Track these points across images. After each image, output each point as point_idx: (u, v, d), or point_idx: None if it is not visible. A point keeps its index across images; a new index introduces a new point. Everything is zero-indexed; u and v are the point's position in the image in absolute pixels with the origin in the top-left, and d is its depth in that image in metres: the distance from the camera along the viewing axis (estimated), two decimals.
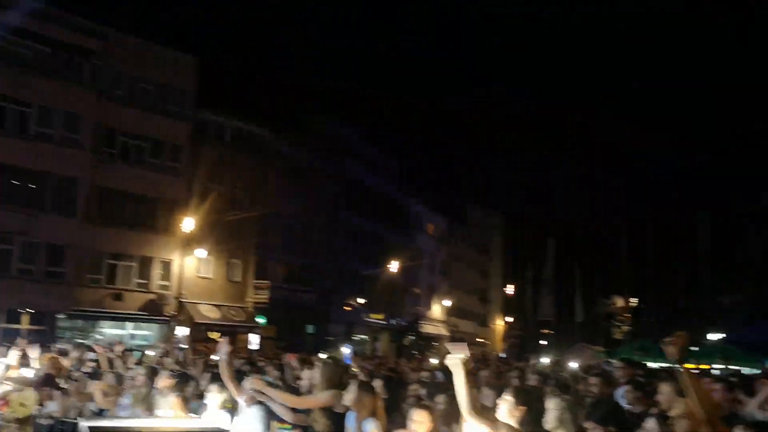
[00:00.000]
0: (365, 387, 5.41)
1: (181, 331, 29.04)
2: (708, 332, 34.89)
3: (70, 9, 27.53)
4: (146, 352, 12.61)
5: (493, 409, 4.54)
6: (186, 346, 13.52)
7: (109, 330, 29.16)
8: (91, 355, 10.87)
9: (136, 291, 29.43)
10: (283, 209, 36.32)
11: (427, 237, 55.33)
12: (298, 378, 7.84)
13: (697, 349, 30.16)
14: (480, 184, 67.97)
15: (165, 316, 29.58)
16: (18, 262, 26.00)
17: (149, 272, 29.97)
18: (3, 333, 22.33)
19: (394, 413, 5.41)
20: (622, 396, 6.79)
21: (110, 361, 9.60)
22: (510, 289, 60.79)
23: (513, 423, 4.39)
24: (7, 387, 8.26)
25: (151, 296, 29.66)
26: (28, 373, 9.08)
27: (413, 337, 48.77)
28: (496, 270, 67.85)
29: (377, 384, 6.44)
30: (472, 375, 4.34)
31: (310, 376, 6.36)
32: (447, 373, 9.68)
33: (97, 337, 27.84)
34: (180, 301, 29.44)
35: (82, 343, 20.08)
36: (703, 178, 57.02)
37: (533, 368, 11.60)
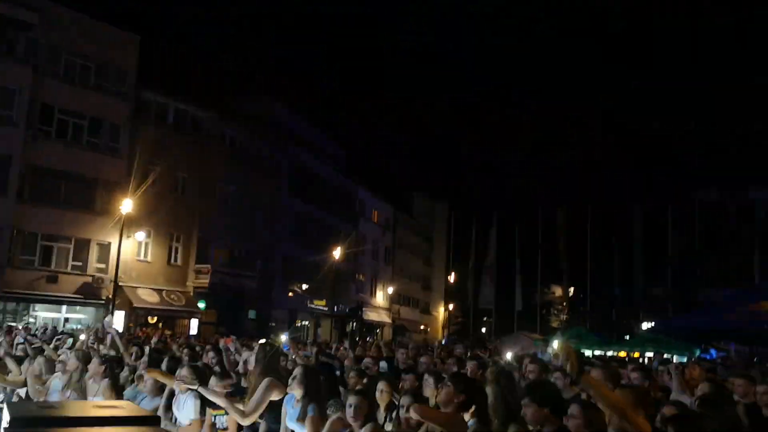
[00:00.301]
0: (308, 371, 5.42)
1: (119, 315, 28.40)
2: (641, 322, 36.15)
3: None
4: (80, 336, 12.30)
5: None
6: (121, 331, 13.23)
7: (42, 313, 28.38)
8: (21, 338, 10.55)
9: (72, 274, 28.60)
10: (226, 193, 35.90)
11: (372, 224, 55.52)
12: (236, 363, 7.79)
13: (628, 338, 31.28)
14: (426, 173, 68.31)
15: (102, 299, 28.88)
16: None
17: (86, 254, 29.16)
18: None
19: (333, 398, 5.44)
20: (553, 382, 6.98)
21: (41, 346, 9.34)
22: (452, 277, 61.54)
23: (452, 409, 4.45)
24: None
25: (87, 279, 28.88)
26: None
27: (356, 324, 48.93)
28: (439, 258, 68.58)
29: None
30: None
31: (246, 358, 6.33)
32: (389, 361, 9.80)
33: (30, 320, 27.07)
34: (118, 284, 28.77)
35: (12, 327, 19.53)
36: (638, 171, 58.66)
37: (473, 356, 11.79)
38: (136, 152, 29.71)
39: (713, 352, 22.72)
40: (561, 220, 43.79)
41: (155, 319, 31.32)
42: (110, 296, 27.66)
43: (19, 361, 8.62)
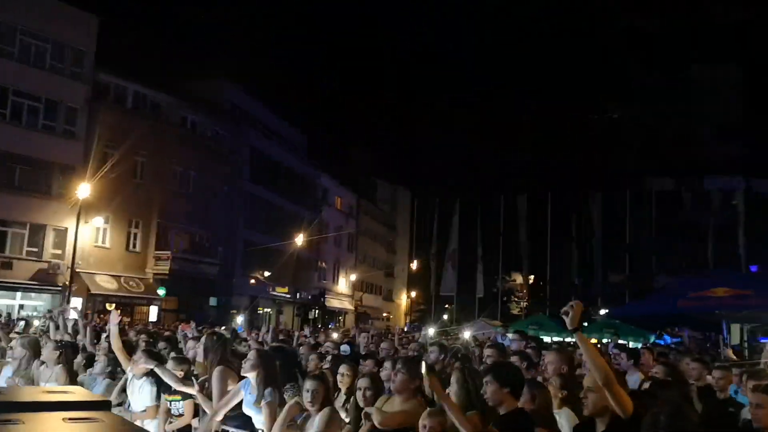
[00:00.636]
0: (262, 355, 5.38)
1: (76, 302, 27.89)
2: (599, 308, 36.86)
3: None
4: (34, 322, 12.05)
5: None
6: (76, 317, 12.99)
7: None
8: None
9: (27, 260, 27.97)
10: (186, 179, 35.44)
11: (335, 211, 55.38)
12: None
13: (587, 324, 31.86)
14: (389, 161, 68.35)
15: (58, 286, 28.31)
16: None
17: (41, 240, 28.52)
18: None
19: (290, 383, 5.42)
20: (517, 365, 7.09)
21: None
22: (415, 265, 61.87)
23: (406, 395, 4.48)
24: None
25: (43, 265, 28.26)
26: None
27: (318, 311, 48.87)
28: (402, 245, 68.82)
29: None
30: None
31: (194, 346, 6.28)
32: (351, 345, 9.82)
33: None
34: (75, 270, 28.21)
35: None
36: (597, 159, 59.54)
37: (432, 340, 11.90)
38: (93, 136, 29.11)
39: (667, 338, 23.28)
40: (522, 209, 44.26)
41: (114, 306, 30.83)
42: (67, 283, 27.13)
43: None
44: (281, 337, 13.02)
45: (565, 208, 44.65)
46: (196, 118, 36.81)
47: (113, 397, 5.99)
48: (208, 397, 5.51)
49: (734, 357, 8.55)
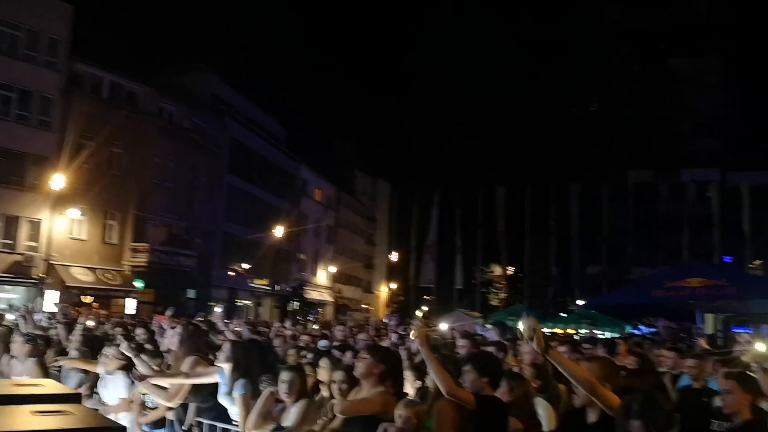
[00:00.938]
0: (239, 347, 5.36)
1: (52, 295, 27.58)
2: (576, 299, 37.18)
3: None
4: (7, 316, 11.88)
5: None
6: (49, 310, 12.84)
7: None
8: None
9: (0, 252, 27.56)
10: (164, 170, 35.13)
11: (314, 203, 55.25)
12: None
13: (565, 315, 32.16)
14: (369, 153, 68.22)
15: (33, 278, 27.94)
16: None
17: (15, 232, 28.09)
18: None
19: (265, 374, 5.40)
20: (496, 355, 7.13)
21: None
22: (394, 256, 61.97)
23: (372, 381, 4.49)
24: None
25: (18, 258, 27.87)
26: None
27: (298, 303, 48.78)
28: (381, 237, 68.87)
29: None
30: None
31: (171, 336, 6.24)
32: (330, 339, 9.80)
33: None
34: (50, 263, 27.87)
35: None
36: (575, 151, 59.98)
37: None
38: (68, 126, 28.69)
39: (643, 328, 23.57)
40: (500, 200, 44.46)
41: (90, 298, 30.54)
42: (42, 275, 26.80)
43: None
44: (260, 329, 12.99)
45: (544, 199, 44.90)
46: (174, 109, 36.46)
47: (83, 390, 5.93)
48: None
49: (707, 346, 8.68)
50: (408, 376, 5.48)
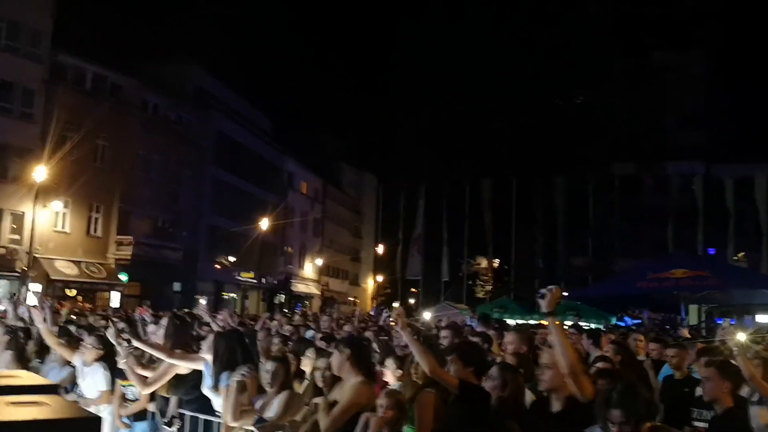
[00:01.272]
0: (222, 338, 5.33)
1: (35, 288, 27.36)
2: (563, 291, 37.41)
3: None
4: None
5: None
6: (32, 303, 12.72)
7: None
8: None
9: None
10: (148, 162, 34.89)
11: (301, 196, 55.13)
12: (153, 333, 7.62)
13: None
14: (355, 146, 68.04)
15: (16, 271, 27.68)
16: None
17: None
18: None
19: (246, 363, 5.38)
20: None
21: None
22: (381, 249, 61.98)
23: (344, 372, 4.50)
24: None
25: (0, 251, 27.61)
26: None
27: (284, 296, 48.76)
28: (368, 230, 68.85)
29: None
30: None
31: (154, 331, 6.21)
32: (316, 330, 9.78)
33: None
34: (33, 256, 27.63)
35: None
36: (561, 143, 60.13)
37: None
38: (51, 118, 28.37)
39: (628, 319, 23.75)
40: (486, 193, 44.53)
41: (74, 291, 30.34)
42: (25, 268, 26.57)
43: None
44: (247, 321, 12.96)
45: (530, 192, 45.01)
46: (159, 101, 36.19)
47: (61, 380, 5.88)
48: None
49: (689, 336, 8.75)
50: (389, 364, 5.49)
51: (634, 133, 63.74)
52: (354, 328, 9.06)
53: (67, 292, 29.93)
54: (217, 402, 5.20)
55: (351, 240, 67.79)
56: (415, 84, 70.32)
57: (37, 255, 27.96)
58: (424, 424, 4.32)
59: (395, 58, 74.64)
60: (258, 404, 4.82)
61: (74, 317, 10.92)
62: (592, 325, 20.64)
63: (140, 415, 5.58)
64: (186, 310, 12.02)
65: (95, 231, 32.02)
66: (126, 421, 5.59)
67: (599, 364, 5.73)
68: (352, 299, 64.14)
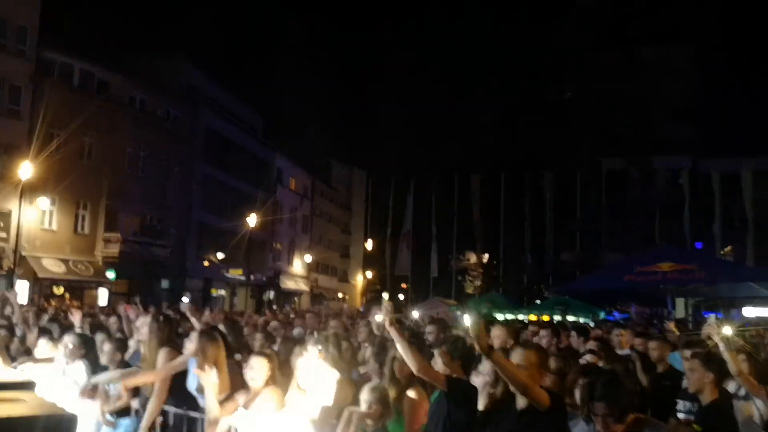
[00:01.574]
0: (206, 335, 5.29)
1: (22, 287, 27.16)
2: (551, 286, 37.49)
3: None
4: None
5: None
6: (20, 302, 12.61)
7: None
8: None
9: None
10: (136, 159, 34.70)
11: (290, 192, 55.02)
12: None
13: (539, 302, 32.45)
14: (344, 141, 67.99)
15: (2, 270, 27.46)
16: None
17: None
18: None
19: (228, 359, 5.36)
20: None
21: None
22: (370, 245, 61.99)
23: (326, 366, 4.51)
24: None
25: None
26: None
27: (273, 293, 48.63)
28: (357, 226, 68.84)
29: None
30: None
31: (138, 329, 6.16)
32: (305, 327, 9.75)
33: None
34: (20, 254, 27.41)
35: None
36: (549, 138, 60.28)
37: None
38: (38, 115, 28.11)
39: (616, 314, 23.86)
40: (475, 188, 44.58)
41: (62, 290, 30.16)
42: (12, 266, 26.35)
43: None
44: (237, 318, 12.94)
45: (518, 187, 45.11)
46: (147, 97, 35.96)
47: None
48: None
49: (675, 330, 8.80)
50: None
51: (621, 127, 63.96)
52: (341, 324, 9.03)
53: (55, 290, 29.76)
54: (202, 399, 5.17)
55: (340, 236, 67.74)
56: (403, 79, 70.30)
57: (23, 253, 27.76)
58: (415, 421, 4.32)
59: (383, 53, 74.55)
60: (241, 400, 4.80)
61: (61, 315, 10.83)
62: (581, 320, 20.75)
63: (124, 412, 5.54)
64: (168, 308, 11.99)
65: (83, 228, 31.83)
66: (110, 418, 5.54)
67: (587, 357, 5.79)
68: (341, 296, 64.12)
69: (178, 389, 5.37)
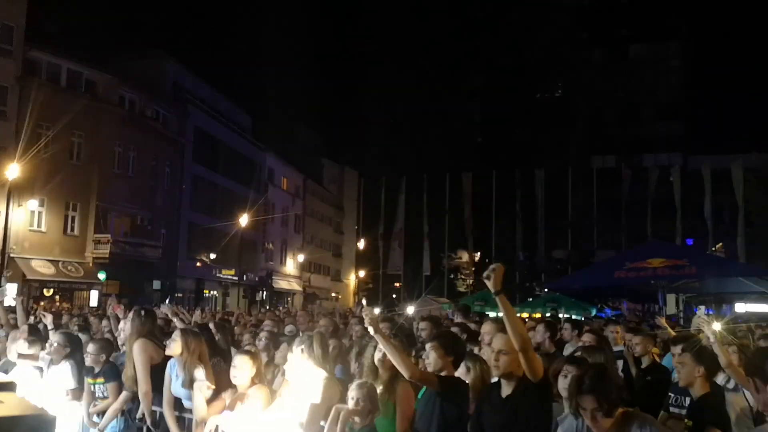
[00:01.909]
0: (189, 334, 5.23)
1: (11, 288, 26.94)
2: (543, 284, 37.56)
3: None
4: None
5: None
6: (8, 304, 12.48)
7: None
8: None
9: None
10: (126, 159, 34.52)
11: (281, 191, 54.90)
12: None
13: (530, 299, 32.48)
14: (335, 140, 68.01)
15: None
16: None
17: None
18: None
19: (215, 357, 5.30)
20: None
21: None
22: (362, 244, 61.95)
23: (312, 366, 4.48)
24: None
25: None
26: None
27: (266, 293, 48.52)
28: (349, 225, 68.79)
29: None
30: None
31: (123, 326, 6.11)
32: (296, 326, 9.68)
33: None
34: (9, 256, 27.21)
35: None
36: (542, 138, 60.51)
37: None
38: (25, 115, 27.92)
39: (608, 311, 23.89)
40: (467, 187, 44.60)
41: (51, 291, 29.98)
42: (0, 269, 26.14)
43: None
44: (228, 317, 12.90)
45: (509, 185, 45.15)
46: (135, 97, 35.77)
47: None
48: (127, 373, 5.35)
49: (666, 325, 8.79)
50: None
51: (612, 125, 64.21)
52: (330, 322, 8.98)
53: (45, 292, 29.57)
54: (188, 401, 5.11)
55: (332, 235, 67.67)
56: (393, 78, 70.31)
57: (12, 255, 27.57)
58: (406, 416, 4.29)
59: (375, 52, 74.50)
60: (227, 397, 4.75)
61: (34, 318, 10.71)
62: (573, 317, 20.75)
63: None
64: (156, 307, 11.90)
65: (72, 229, 31.63)
66: (96, 420, 5.47)
67: (585, 338, 5.82)
68: (334, 295, 64.03)
69: (162, 389, 5.30)
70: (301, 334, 6.05)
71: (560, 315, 17.37)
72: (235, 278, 43.26)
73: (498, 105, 67.02)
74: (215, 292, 44.11)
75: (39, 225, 29.93)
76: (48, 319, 6.12)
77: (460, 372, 4.48)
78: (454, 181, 45.23)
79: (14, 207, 27.41)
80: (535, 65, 65.66)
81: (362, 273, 65.78)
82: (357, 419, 4.09)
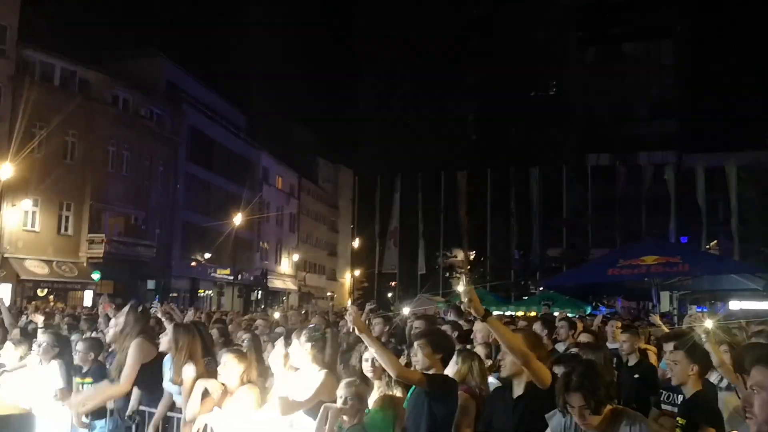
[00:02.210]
0: (181, 330, 5.20)
1: (5, 288, 26.87)
2: (538, 282, 37.54)
3: None
4: None
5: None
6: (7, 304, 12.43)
7: None
8: None
9: None
10: (120, 159, 34.43)
11: (276, 191, 54.82)
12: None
13: (525, 298, 32.48)
14: (330, 139, 67.93)
15: None
16: None
17: None
18: None
19: (207, 356, 5.28)
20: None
21: None
22: (357, 243, 61.90)
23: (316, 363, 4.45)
24: None
25: None
26: None
27: (261, 292, 48.44)
28: (344, 224, 68.76)
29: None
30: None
31: (116, 324, 6.07)
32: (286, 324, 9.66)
33: None
34: (3, 256, 27.13)
35: None
36: (535, 134, 60.59)
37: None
38: (19, 115, 27.85)
39: (603, 308, 23.91)
40: (461, 185, 44.54)
41: (45, 291, 29.87)
42: None
43: None
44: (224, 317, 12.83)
45: (504, 184, 45.08)
46: (129, 96, 35.68)
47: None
48: (119, 368, 5.30)
49: (660, 323, 8.78)
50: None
51: (607, 123, 64.25)
52: (322, 320, 8.95)
53: (39, 292, 29.46)
54: (178, 397, 5.09)
55: (328, 234, 67.64)
56: (388, 77, 70.26)
57: (6, 255, 27.48)
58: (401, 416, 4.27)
59: (369, 51, 74.43)
60: (216, 396, 4.73)
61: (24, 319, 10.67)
62: (568, 315, 20.76)
63: (99, 414, 5.43)
64: (149, 306, 11.88)
65: (66, 229, 31.54)
66: (85, 420, 5.43)
67: (582, 338, 5.81)
68: (330, 294, 63.97)
69: (152, 388, 5.27)
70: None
71: (555, 313, 17.38)
72: (230, 278, 43.19)
73: (492, 104, 66.98)
74: (210, 292, 44.02)
75: (33, 225, 29.84)
76: (39, 319, 6.09)
77: (450, 370, 4.46)
78: (449, 179, 45.15)
79: (8, 207, 27.33)
80: (529, 64, 65.63)
81: (357, 272, 65.73)
82: (345, 418, 4.07)
